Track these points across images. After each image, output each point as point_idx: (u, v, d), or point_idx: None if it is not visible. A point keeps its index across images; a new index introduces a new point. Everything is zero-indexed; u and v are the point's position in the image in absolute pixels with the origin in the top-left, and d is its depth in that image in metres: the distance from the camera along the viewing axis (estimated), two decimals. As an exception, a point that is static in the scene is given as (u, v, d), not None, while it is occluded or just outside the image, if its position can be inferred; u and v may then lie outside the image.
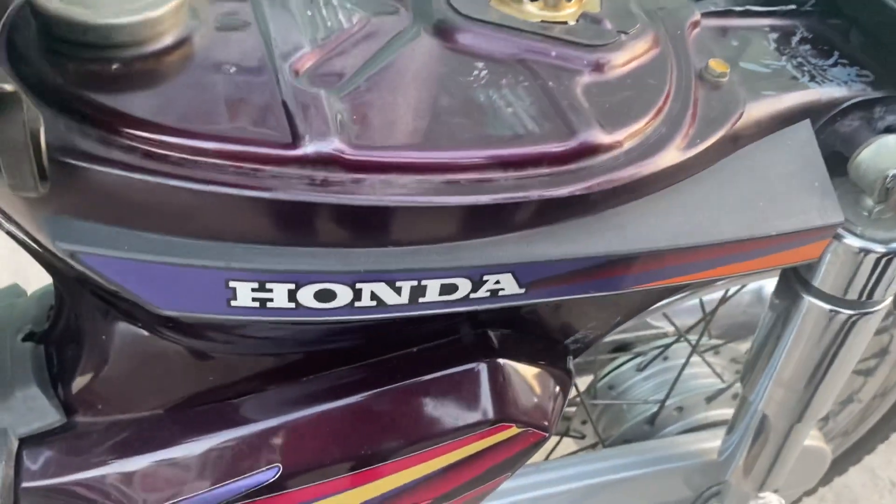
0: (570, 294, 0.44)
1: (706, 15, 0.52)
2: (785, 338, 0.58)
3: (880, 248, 0.50)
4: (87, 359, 0.51)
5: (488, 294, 0.42)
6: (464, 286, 0.41)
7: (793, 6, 0.54)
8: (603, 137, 0.40)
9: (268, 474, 0.51)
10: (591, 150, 0.40)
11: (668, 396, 0.82)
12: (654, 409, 0.83)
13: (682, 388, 0.84)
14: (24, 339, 0.54)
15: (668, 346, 0.86)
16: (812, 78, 0.50)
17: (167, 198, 0.36)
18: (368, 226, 0.38)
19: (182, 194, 0.35)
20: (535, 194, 0.38)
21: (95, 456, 0.51)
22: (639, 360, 0.88)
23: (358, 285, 0.39)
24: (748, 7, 0.53)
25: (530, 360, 0.56)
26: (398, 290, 0.40)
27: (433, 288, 0.41)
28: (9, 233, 0.43)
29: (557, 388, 0.57)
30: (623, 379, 0.88)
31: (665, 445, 0.75)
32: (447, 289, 0.41)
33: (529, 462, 0.86)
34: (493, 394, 0.53)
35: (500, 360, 0.54)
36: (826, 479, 1.04)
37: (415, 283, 0.40)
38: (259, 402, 0.52)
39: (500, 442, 0.55)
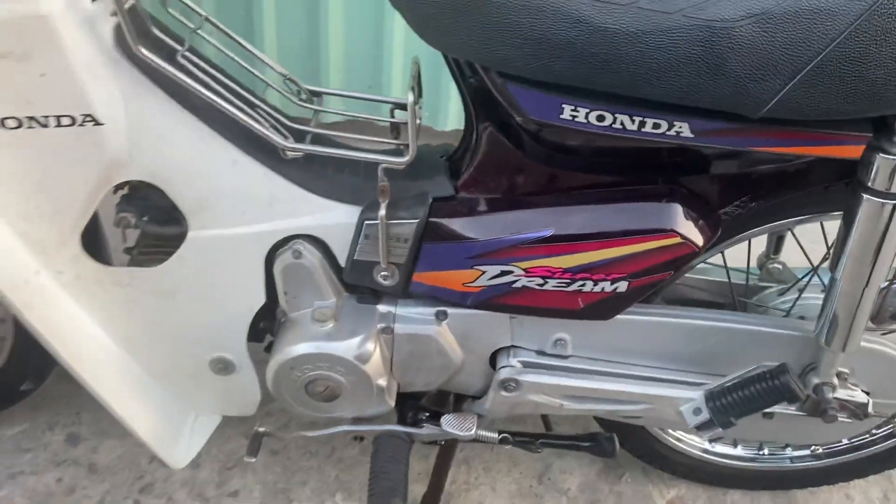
0: (735, 145, 0.91)
1: None
2: (854, 228, 0.98)
3: None
4: (469, 161, 1.06)
5: (675, 133, 0.91)
6: (663, 125, 0.90)
7: None
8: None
9: (545, 233, 1.02)
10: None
11: (792, 307, 1.21)
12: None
13: (810, 307, 1.22)
14: (440, 157, 1.12)
15: (803, 276, 1.25)
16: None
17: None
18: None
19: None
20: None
21: (468, 213, 1.06)
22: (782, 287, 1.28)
23: (635, 117, 0.90)
24: None
25: (696, 207, 1.02)
26: (642, 123, 0.90)
27: (650, 124, 0.90)
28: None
29: (707, 230, 1.02)
30: (767, 300, 1.28)
31: (777, 318, 1.15)
32: (655, 125, 0.90)
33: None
34: (670, 212, 1.00)
35: (679, 199, 1.01)
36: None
37: (642, 118, 0.90)
38: (547, 199, 1.04)
39: (665, 246, 1.01)
